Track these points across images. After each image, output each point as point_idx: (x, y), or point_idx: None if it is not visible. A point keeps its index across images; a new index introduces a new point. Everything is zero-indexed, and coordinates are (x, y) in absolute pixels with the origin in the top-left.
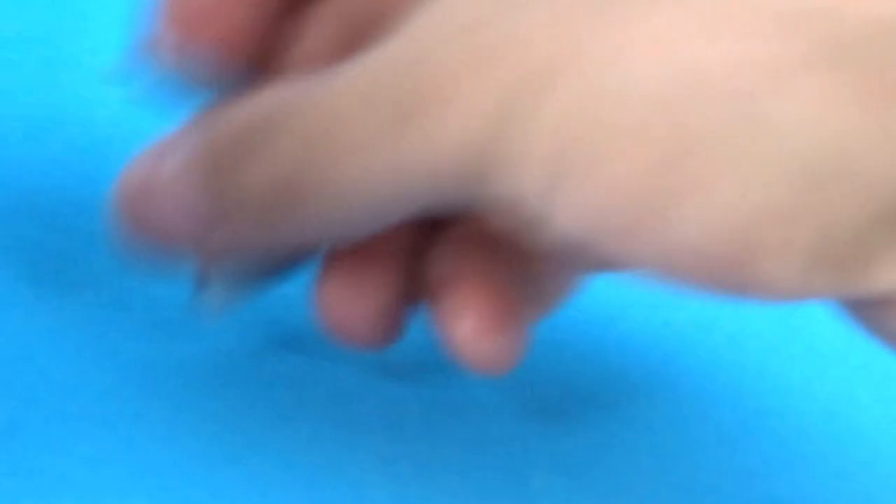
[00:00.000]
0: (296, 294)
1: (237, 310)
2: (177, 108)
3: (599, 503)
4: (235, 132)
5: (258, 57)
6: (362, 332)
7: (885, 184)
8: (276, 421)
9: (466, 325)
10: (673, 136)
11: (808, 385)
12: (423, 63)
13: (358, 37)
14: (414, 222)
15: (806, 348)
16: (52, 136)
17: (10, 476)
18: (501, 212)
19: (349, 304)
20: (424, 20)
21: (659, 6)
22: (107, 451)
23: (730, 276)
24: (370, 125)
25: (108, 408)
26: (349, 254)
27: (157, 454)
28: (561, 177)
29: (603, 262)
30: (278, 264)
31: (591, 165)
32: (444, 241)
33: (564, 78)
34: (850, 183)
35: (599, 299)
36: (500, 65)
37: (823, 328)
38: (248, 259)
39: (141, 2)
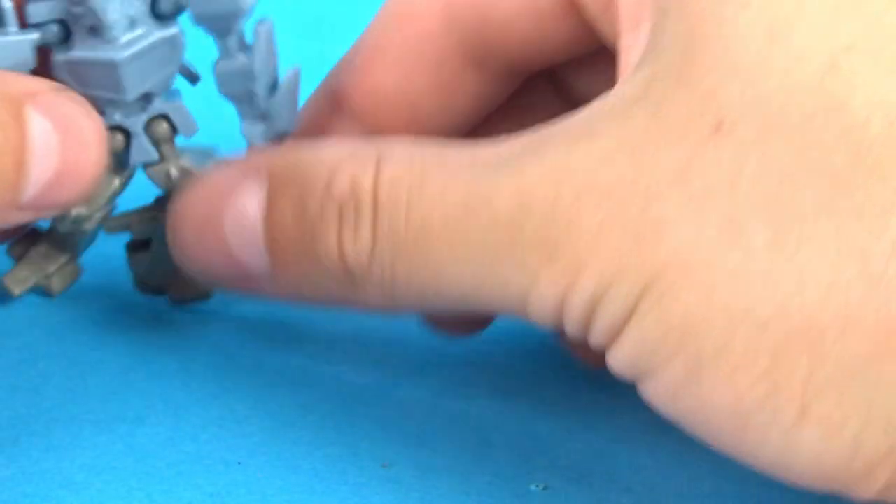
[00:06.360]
0: None
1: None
2: None
3: None
4: (323, 195)
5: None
6: None
7: None
8: (277, 424)
9: None
10: (813, 364)
11: None
12: (558, 213)
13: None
14: None
15: None
16: None
17: (13, 480)
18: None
19: None
20: (565, 158)
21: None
22: (108, 454)
23: (828, 487)
24: (480, 241)
25: (110, 410)
26: None
27: (158, 456)
28: (659, 369)
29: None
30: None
31: (705, 372)
32: None
33: (691, 283)
34: None
35: None
36: (635, 248)
37: None
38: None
39: None
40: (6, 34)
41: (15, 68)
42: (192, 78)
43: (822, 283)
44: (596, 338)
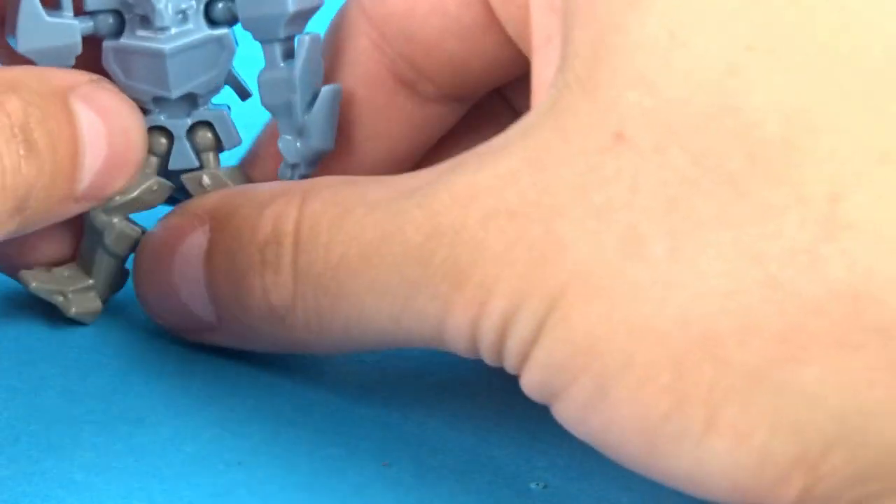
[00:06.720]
0: None
1: None
2: None
3: None
4: (249, 241)
5: None
6: None
7: None
8: (277, 425)
9: None
10: (716, 373)
11: None
12: (466, 238)
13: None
14: None
15: None
16: None
17: (13, 480)
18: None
19: None
20: (472, 180)
21: (704, 253)
22: (108, 454)
23: (743, 501)
24: (394, 274)
25: (110, 411)
26: None
27: (158, 457)
28: (568, 388)
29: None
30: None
31: (612, 389)
32: None
33: (593, 300)
34: (867, 442)
35: None
36: (538, 268)
37: None
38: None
39: None
40: (60, 17)
41: (62, 50)
42: (243, 93)
43: (721, 291)
44: (509, 362)
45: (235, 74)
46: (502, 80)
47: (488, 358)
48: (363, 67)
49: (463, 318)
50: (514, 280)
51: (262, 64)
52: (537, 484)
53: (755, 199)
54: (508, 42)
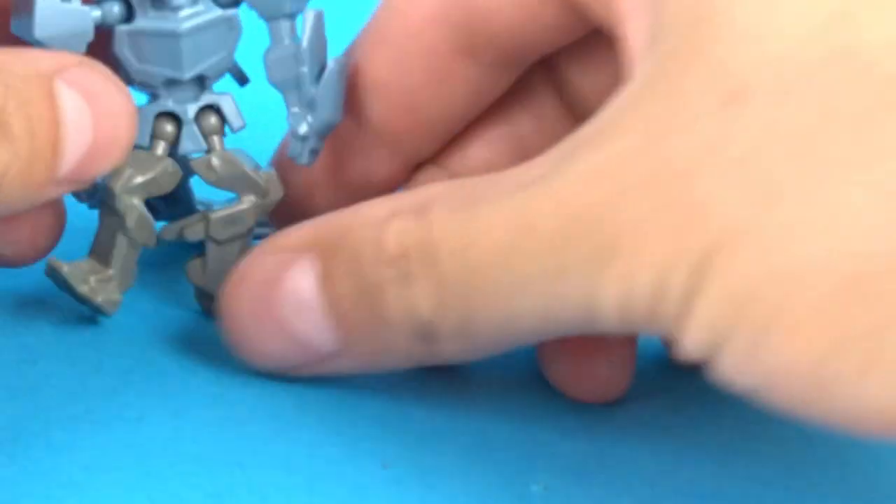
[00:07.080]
0: None
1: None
2: None
3: None
4: (376, 260)
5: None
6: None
7: None
8: (277, 424)
9: None
10: (870, 313)
11: None
12: (603, 216)
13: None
14: None
15: None
16: None
17: (13, 480)
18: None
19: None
20: (596, 160)
21: (835, 192)
22: (108, 454)
23: None
24: (535, 266)
25: (110, 410)
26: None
27: (158, 457)
28: (729, 342)
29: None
30: None
31: (769, 337)
32: None
33: (744, 252)
34: None
35: None
36: (685, 230)
37: None
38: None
39: None
40: (70, 2)
41: (74, 36)
42: (242, 79)
43: (864, 230)
44: (665, 329)
45: (234, 60)
46: (554, 47)
47: (643, 328)
48: (424, 38)
49: (612, 297)
50: (660, 246)
51: (254, 51)
52: (537, 485)
53: (884, 136)
54: (567, 9)
